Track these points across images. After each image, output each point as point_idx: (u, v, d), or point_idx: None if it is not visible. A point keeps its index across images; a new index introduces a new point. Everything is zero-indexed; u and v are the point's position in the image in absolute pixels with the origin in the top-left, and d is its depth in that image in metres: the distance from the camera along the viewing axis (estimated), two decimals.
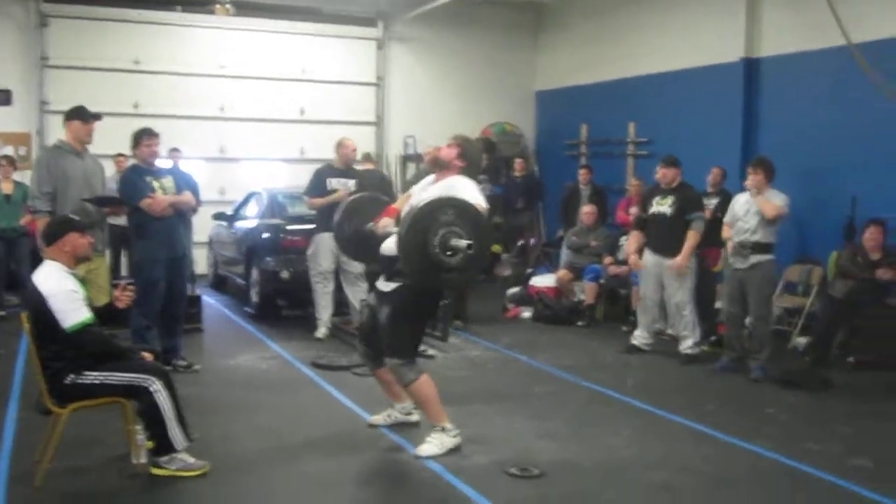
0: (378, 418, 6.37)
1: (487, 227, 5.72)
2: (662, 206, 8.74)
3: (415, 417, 6.33)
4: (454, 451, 5.71)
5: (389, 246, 5.76)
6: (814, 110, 10.81)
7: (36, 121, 13.63)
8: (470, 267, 5.45)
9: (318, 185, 9.40)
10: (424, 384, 5.76)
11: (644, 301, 9.06)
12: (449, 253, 5.27)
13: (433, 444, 5.70)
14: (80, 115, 7.21)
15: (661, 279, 8.75)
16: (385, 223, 6.01)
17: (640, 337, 9.06)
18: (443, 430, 5.76)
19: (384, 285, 5.86)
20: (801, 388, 7.60)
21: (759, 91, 11.69)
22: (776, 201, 7.90)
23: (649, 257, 8.84)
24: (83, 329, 5.00)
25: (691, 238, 8.56)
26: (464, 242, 5.23)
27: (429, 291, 5.78)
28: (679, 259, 8.51)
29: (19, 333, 6.48)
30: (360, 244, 6.53)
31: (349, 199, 6.93)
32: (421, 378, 5.75)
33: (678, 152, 10.77)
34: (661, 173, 8.85)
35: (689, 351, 8.65)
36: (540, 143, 16.70)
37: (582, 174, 12.98)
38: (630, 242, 9.21)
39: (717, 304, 9.24)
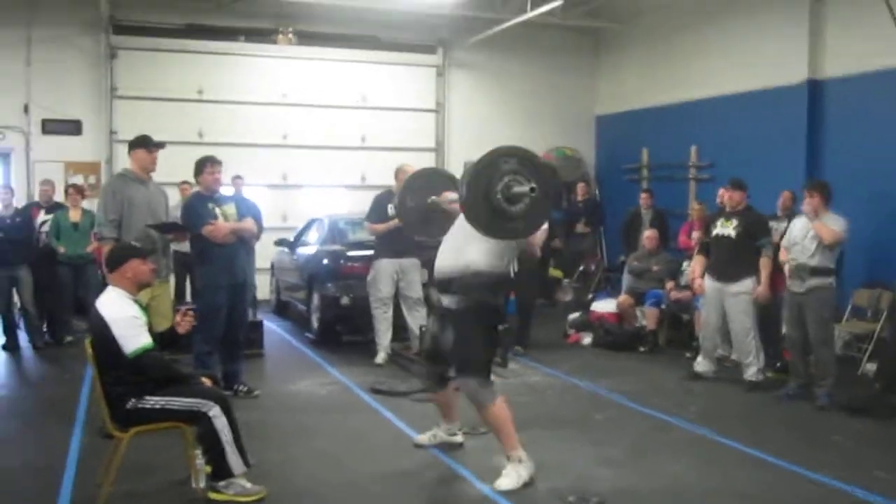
0: (423, 438, 6.39)
1: (550, 172, 5.66)
2: (727, 228, 8.61)
3: (459, 438, 6.36)
4: (529, 483, 5.58)
5: (448, 262, 5.78)
6: (880, 132, 10.61)
7: (105, 150, 13.97)
8: (534, 214, 5.41)
9: (378, 212, 9.46)
10: (501, 408, 5.70)
11: (706, 327, 8.92)
12: (512, 201, 5.26)
13: (510, 478, 5.57)
14: (144, 144, 7.34)
15: (722, 305, 8.61)
16: (448, 196, 6.01)
17: (702, 363, 8.91)
18: (519, 461, 5.63)
19: (447, 300, 5.84)
20: (869, 416, 7.40)
21: (823, 113, 11.51)
22: (834, 226, 7.72)
23: (710, 283, 8.72)
24: (144, 354, 5.08)
25: (766, 266, 8.44)
26: (527, 186, 5.21)
27: (492, 304, 5.75)
28: (761, 289, 8.39)
29: (85, 359, 6.59)
30: (422, 219, 6.56)
31: (411, 175, 6.96)
32: (497, 401, 5.69)
33: (740, 176, 10.63)
34: (728, 196, 8.74)
35: (752, 378, 8.48)
36: (600, 167, 16.64)
37: (643, 198, 12.87)
38: (694, 266, 9.08)
39: (784, 330, 9.06)
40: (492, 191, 5.23)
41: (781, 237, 8.98)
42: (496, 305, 5.80)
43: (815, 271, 7.76)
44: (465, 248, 5.71)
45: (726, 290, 8.53)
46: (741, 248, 8.51)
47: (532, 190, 5.20)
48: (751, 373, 8.51)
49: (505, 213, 5.29)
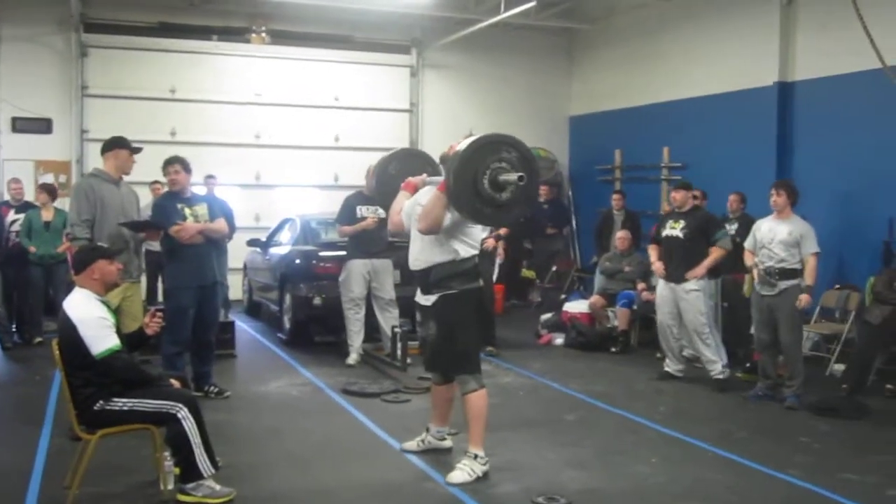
0: (411, 444, 6.36)
1: (535, 162, 5.69)
2: (675, 229, 8.73)
3: (448, 443, 6.33)
4: (482, 478, 5.68)
5: (420, 259, 5.82)
6: (849, 134, 10.72)
7: (76, 149, 13.88)
8: (520, 202, 5.48)
9: (348, 213, 9.46)
10: (482, 397, 5.79)
11: (662, 330, 8.99)
12: (499, 189, 5.32)
13: (463, 472, 5.67)
14: (126, 145, 7.27)
15: (676, 305, 8.70)
16: (423, 179, 6.12)
17: (671, 364, 8.97)
18: (475, 457, 5.73)
19: (423, 299, 5.89)
20: (838, 416, 7.48)
21: (793, 115, 11.63)
22: (810, 248, 7.83)
23: (662, 286, 8.85)
24: (111, 355, 5.05)
25: (716, 252, 8.60)
26: (514, 175, 5.25)
27: (470, 294, 5.80)
28: (699, 270, 8.51)
29: None
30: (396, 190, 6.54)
31: (401, 148, 6.99)
32: (481, 390, 5.78)
33: (712, 177, 10.74)
34: (673, 196, 8.91)
35: (719, 376, 8.55)
36: (574, 168, 16.69)
37: (616, 199, 12.94)
38: (652, 253, 9.13)
39: (752, 330, 9.14)
40: (479, 179, 5.29)
41: (732, 239, 9.07)
42: (473, 290, 5.83)
43: (785, 273, 7.83)
44: (426, 245, 5.76)
45: (678, 289, 8.62)
46: (690, 247, 8.64)
47: (521, 178, 5.25)
48: (716, 371, 8.58)
49: (491, 201, 5.34)
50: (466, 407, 5.83)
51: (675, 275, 8.65)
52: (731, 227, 9.69)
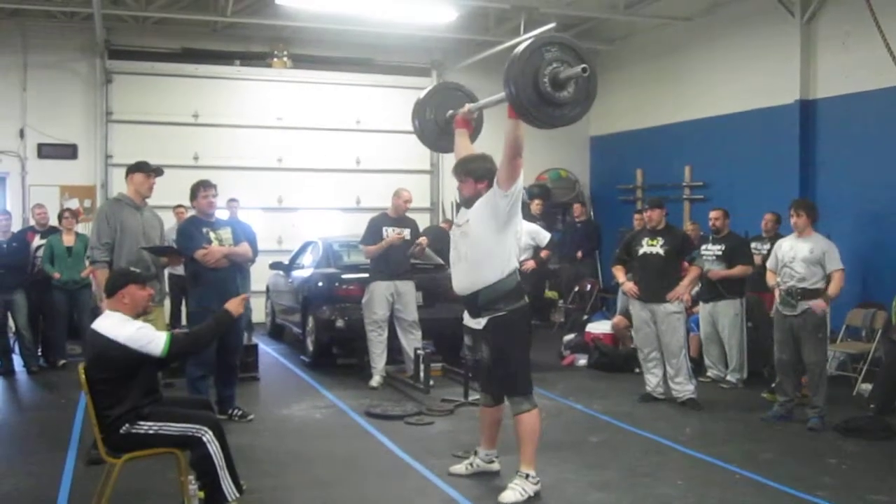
0: (459, 468, 6.28)
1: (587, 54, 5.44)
2: (654, 246, 8.66)
3: (496, 466, 6.28)
4: (533, 497, 5.64)
5: (464, 283, 5.80)
6: (872, 150, 10.66)
7: (100, 173, 14.04)
8: (582, 98, 5.31)
9: (373, 234, 9.48)
10: (535, 416, 5.78)
11: (645, 355, 8.90)
12: (560, 87, 5.15)
13: (515, 491, 5.63)
14: (142, 169, 7.32)
15: (655, 327, 8.66)
16: (469, 107, 6.08)
17: (651, 382, 8.93)
18: (527, 476, 5.70)
19: (473, 322, 5.86)
20: (865, 437, 7.39)
21: (815, 133, 11.57)
22: (834, 264, 7.76)
23: (639, 308, 8.76)
24: (173, 342, 5.11)
25: (693, 271, 8.69)
26: (578, 68, 5.09)
27: (520, 314, 5.77)
28: (679, 289, 8.50)
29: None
30: (439, 132, 6.52)
31: (432, 87, 6.89)
32: (534, 410, 5.77)
33: (734, 196, 10.69)
34: (648, 216, 8.80)
35: (692, 396, 8.55)
36: (595, 188, 16.69)
37: (637, 219, 12.87)
38: (619, 275, 9.04)
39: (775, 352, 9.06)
40: (539, 80, 5.10)
41: (764, 259, 9.02)
42: (522, 308, 5.80)
43: (807, 293, 7.76)
44: (471, 267, 5.73)
45: (659, 310, 8.56)
46: (669, 265, 8.62)
47: (584, 70, 5.08)
48: (689, 391, 8.57)
49: (553, 100, 5.17)
50: (518, 427, 5.81)
51: (655, 295, 8.57)
52: (764, 247, 9.63)
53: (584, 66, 5.10)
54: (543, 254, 9.97)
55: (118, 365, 5.06)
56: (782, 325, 8.00)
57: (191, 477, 5.19)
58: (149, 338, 5.09)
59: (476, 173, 5.84)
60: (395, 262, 9.34)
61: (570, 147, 16.42)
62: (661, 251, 8.60)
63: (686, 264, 8.88)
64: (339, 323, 10.16)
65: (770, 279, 8.18)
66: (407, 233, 9.47)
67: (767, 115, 12.19)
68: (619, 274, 9.01)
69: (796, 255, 7.86)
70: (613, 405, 8.68)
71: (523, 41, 5.55)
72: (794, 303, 7.79)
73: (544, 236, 9.98)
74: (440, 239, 10.46)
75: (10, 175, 13.80)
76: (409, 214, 9.89)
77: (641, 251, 8.73)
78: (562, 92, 5.16)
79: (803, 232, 7.91)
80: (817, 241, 7.88)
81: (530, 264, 9.72)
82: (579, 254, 14.46)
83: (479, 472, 6.23)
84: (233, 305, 5.51)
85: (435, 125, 6.56)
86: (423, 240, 9.32)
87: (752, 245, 9.91)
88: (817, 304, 7.70)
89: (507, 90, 5.18)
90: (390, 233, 9.42)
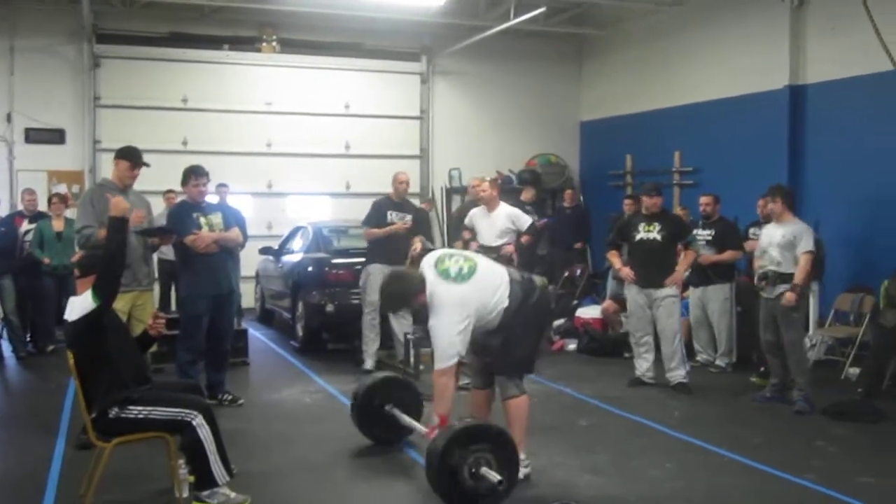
0: None
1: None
2: (651, 232, 8.68)
3: None
4: (523, 480, 5.62)
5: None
6: (861, 136, 10.69)
7: (89, 159, 13.95)
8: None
9: (377, 217, 9.46)
10: (525, 401, 5.79)
11: (637, 339, 8.95)
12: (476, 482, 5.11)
13: None
14: (129, 157, 7.23)
15: (650, 312, 8.70)
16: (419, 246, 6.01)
17: (641, 367, 8.97)
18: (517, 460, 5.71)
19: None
20: (852, 420, 7.44)
21: (804, 118, 11.60)
22: (802, 240, 7.77)
23: (635, 292, 8.79)
24: (95, 286, 5.11)
25: (689, 256, 8.69)
26: (495, 477, 5.04)
27: (535, 307, 5.76)
28: (676, 275, 8.55)
29: (68, 369, 6.59)
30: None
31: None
32: (524, 395, 5.78)
33: (724, 181, 10.70)
34: (653, 202, 8.75)
35: (683, 380, 8.60)
36: (585, 173, 16.68)
37: (627, 204, 12.87)
38: (615, 260, 9.08)
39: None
40: (460, 473, 5.07)
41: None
42: (538, 302, 5.80)
43: (782, 277, 7.81)
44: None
45: (656, 294, 8.61)
46: (667, 251, 8.66)
47: (500, 483, 5.02)
48: (680, 375, 8.63)
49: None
50: (508, 411, 5.81)
51: (653, 280, 8.60)
52: (760, 232, 9.64)
53: (500, 479, 5.01)
54: (524, 239, 9.82)
55: (82, 339, 5.13)
56: (764, 308, 8.08)
57: (181, 461, 5.21)
58: (80, 301, 5.13)
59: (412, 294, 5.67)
60: (394, 248, 9.30)
61: (560, 132, 16.44)
62: (658, 237, 8.62)
63: (681, 248, 8.89)
64: (329, 308, 10.16)
65: (755, 264, 8.23)
66: (409, 219, 9.46)
67: (757, 100, 12.20)
68: (615, 259, 9.04)
69: (772, 240, 7.92)
70: (603, 389, 8.71)
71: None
72: (772, 283, 7.86)
73: (524, 220, 9.80)
74: (421, 221, 10.31)
75: None
76: None
77: (638, 237, 8.75)
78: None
79: (780, 217, 7.95)
80: (791, 225, 7.90)
81: (509, 248, 9.61)
82: (578, 245, 14.39)
83: None
84: (117, 210, 5.41)
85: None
86: (417, 245, 9.17)
87: (750, 230, 9.93)
88: (787, 299, 7.72)
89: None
90: (394, 217, 9.37)
